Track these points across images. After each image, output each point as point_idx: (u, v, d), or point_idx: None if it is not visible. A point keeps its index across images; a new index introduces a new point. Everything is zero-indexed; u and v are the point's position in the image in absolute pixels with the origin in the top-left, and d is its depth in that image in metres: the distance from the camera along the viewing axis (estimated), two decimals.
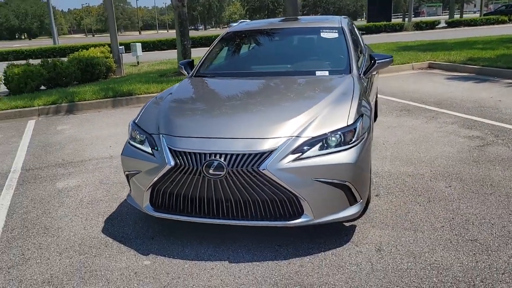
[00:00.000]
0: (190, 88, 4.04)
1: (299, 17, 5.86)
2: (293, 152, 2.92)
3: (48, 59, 10.09)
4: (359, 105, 3.34)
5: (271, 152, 2.90)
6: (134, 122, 3.52)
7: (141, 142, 3.31)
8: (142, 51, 16.49)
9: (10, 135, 6.72)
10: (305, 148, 2.95)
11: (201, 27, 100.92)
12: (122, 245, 3.29)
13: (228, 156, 2.92)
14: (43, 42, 41.61)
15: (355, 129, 3.10)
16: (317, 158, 2.93)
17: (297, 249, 3.10)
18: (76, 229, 3.58)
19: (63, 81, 10.03)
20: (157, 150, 3.14)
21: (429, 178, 4.20)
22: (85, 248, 3.27)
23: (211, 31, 72.93)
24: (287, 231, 3.28)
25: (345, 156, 2.97)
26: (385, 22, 32.73)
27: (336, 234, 3.26)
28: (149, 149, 3.21)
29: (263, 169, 2.85)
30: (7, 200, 4.26)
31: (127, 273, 2.92)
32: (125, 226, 3.58)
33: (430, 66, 11.31)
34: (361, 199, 3.14)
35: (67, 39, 59.70)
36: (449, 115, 6.45)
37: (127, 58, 16.73)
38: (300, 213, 2.96)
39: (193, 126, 3.21)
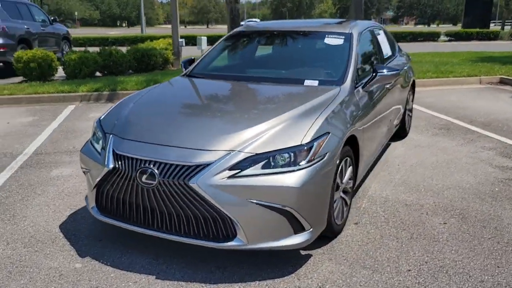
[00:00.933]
0: (168, 88, 3.88)
1: (315, 20, 5.48)
2: (230, 168, 2.65)
3: (106, 47, 10.49)
4: (327, 122, 2.97)
5: (206, 165, 2.66)
6: (99, 119, 3.43)
7: (98, 141, 3.21)
8: None
9: (44, 118, 7.04)
10: (245, 164, 2.67)
11: None
12: (68, 243, 3.23)
13: (162, 165, 2.72)
14: (137, 31, 43.81)
15: (310, 149, 2.76)
16: (257, 178, 2.64)
17: (233, 273, 2.83)
18: (38, 220, 3.58)
19: (117, 69, 10.37)
20: (104, 150, 3.03)
21: (427, 211, 3.69)
22: (32, 241, 3.25)
23: None
24: (233, 253, 3.01)
25: (290, 179, 2.65)
26: (477, 30, 30.31)
27: (285, 263, 2.93)
28: (99, 148, 3.11)
29: (192, 184, 2.62)
30: (3, 177, 4.41)
31: (53, 274, 2.84)
32: (83, 224, 3.52)
33: (502, 81, 10.20)
34: (310, 227, 2.80)
35: (159, 29, 62.48)
36: (492, 139, 5.70)
37: (193, 51, 17.03)
38: (233, 236, 2.70)
39: (139, 130, 3.04)
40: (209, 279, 2.78)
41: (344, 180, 3.28)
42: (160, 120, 3.16)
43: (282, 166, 2.70)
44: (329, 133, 2.92)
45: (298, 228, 2.76)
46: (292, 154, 2.72)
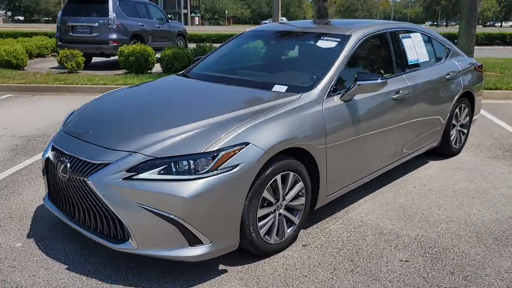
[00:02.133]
0: (142, 87, 3.94)
1: (332, 20, 5.02)
2: (128, 170, 2.62)
3: (201, 44, 11.01)
4: (251, 131, 2.75)
5: (106, 164, 2.67)
6: (71, 112, 3.65)
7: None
8: None
9: None
10: (142, 167, 2.61)
11: (443, 23, 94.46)
12: (30, 222, 3.50)
13: (73, 160, 2.81)
14: None
15: (214, 158, 2.59)
16: (151, 183, 2.57)
17: (135, 276, 2.80)
18: (27, 199, 3.92)
19: None
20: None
21: (398, 244, 3.18)
22: (5, 217, 3.57)
23: (448, 29, 67.13)
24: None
25: (182, 188, 2.53)
26: None
27: (194, 276, 2.81)
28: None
29: (88, 180, 2.66)
30: (35, 158, 4.94)
31: None
32: None
33: None
34: (210, 241, 2.63)
35: None
36: None
37: None
38: (127, 238, 2.66)
39: (78, 125, 3.18)
40: (110, 277, 2.79)
41: (288, 197, 3.01)
42: (101, 117, 3.25)
43: (181, 174, 2.58)
44: (248, 143, 2.69)
45: (193, 240, 2.61)
46: (192, 162, 2.59)
